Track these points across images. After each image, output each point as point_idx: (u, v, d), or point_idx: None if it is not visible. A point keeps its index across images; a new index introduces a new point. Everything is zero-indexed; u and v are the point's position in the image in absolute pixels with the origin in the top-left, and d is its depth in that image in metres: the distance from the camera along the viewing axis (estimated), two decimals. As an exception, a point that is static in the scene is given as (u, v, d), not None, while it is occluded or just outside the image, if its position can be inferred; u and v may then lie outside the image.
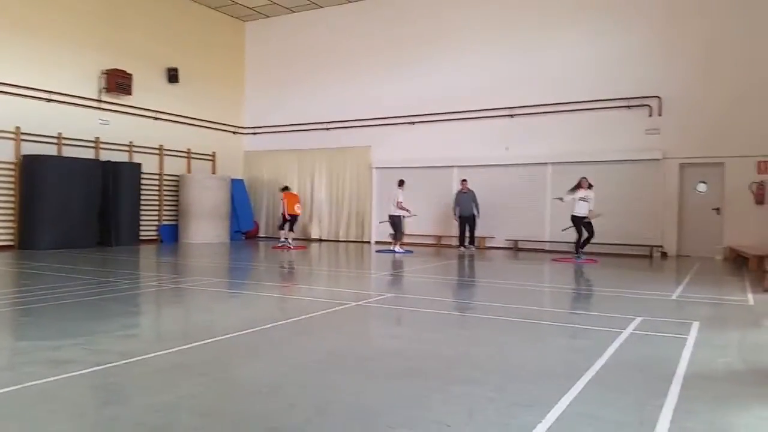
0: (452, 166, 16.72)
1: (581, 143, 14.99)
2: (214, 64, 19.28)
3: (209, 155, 19.03)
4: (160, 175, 17.41)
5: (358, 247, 16.84)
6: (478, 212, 14.96)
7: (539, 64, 15.58)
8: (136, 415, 3.19)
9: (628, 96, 14.50)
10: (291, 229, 15.79)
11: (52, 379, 3.76)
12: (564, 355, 4.71)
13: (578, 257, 12.47)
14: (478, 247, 15.10)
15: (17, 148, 13.91)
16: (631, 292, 8.15)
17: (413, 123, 17.33)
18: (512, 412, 3.28)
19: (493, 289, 9.05)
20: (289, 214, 15.64)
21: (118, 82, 15.79)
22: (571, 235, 12.82)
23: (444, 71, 16.87)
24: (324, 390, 3.65)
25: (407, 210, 14.69)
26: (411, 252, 14.60)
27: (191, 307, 6.97)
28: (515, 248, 15.66)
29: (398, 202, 14.60)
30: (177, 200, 17.66)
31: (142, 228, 16.28)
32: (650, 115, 14.33)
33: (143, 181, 16.36)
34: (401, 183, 14.90)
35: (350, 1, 18.33)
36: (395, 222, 14.64)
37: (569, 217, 12.71)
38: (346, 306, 6.76)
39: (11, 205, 13.94)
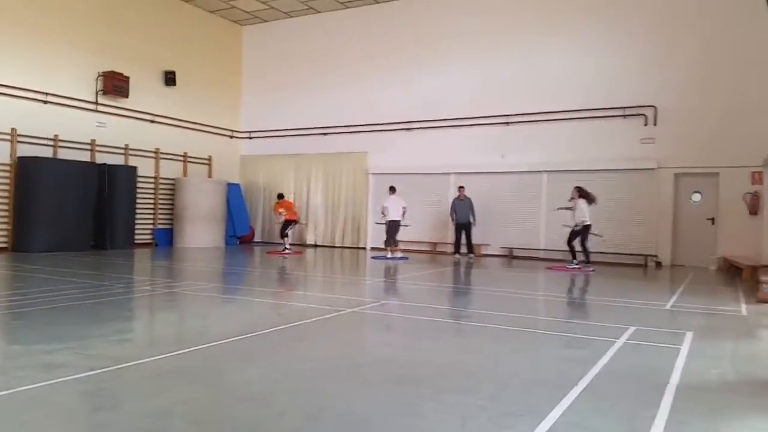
0: (448, 173, 16.74)
1: (577, 152, 15.03)
2: (211, 68, 19.29)
3: (205, 159, 19.02)
4: (155, 178, 17.39)
5: (353, 253, 16.83)
6: (475, 220, 14.96)
7: (536, 73, 15.64)
8: (128, 420, 3.18)
9: (624, 105, 14.56)
10: (288, 233, 15.81)
11: (44, 383, 3.74)
12: (557, 364, 4.71)
13: (588, 265, 12.44)
14: (475, 255, 15.08)
15: (13, 150, 13.88)
16: (625, 301, 8.16)
17: (410, 129, 17.36)
18: (505, 421, 3.28)
19: (487, 297, 9.06)
20: (289, 220, 15.71)
21: (114, 84, 15.78)
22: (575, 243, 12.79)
23: (441, 78, 16.92)
24: (316, 397, 3.65)
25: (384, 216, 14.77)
26: (406, 258, 14.60)
27: (185, 312, 6.95)
28: (510, 256, 15.67)
29: (403, 208, 14.64)
30: (172, 204, 17.63)
31: (137, 231, 16.24)
32: (645, 125, 14.40)
33: (139, 185, 16.33)
34: (393, 189, 14.94)
35: (348, 7, 18.38)
36: (391, 227, 14.65)
37: (583, 226, 12.61)
38: (341, 313, 6.75)
39: (5, 207, 13.89)
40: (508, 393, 3.80)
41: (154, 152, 17.32)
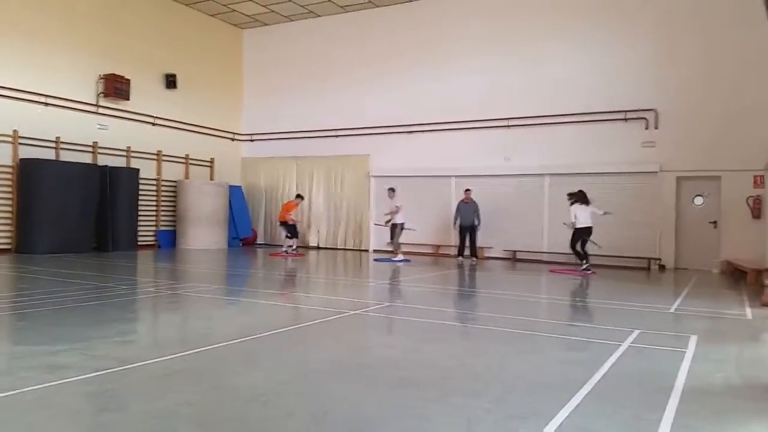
0: (450, 176, 16.74)
1: (578, 155, 15.03)
2: (212, 71, 19.32)
3: (207, 161, 19.04)
4: (157, 180, 17.40)
5: (356, 255, 16.83)
6: (479, 223, 14.91)
7: (538, 76, 15.65)
8: (133, 421, 3.19)
9: (625, 109, 14.56)
10: (288, 236, 15.82)
11: (49, 384, 3.75)
12: (562, 367, 4.70)
13: (588, 268, 12.42)
14: (477, 258, 15.06)
15: (15, 152, 13.89)
16: (629, 304, 8.15)
17: (411, 132, 17.37)
18: (510, 424, 3.28)
19: (491, 299, 9.05)
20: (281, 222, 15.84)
21: (116, 87, 15.81)
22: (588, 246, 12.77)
23: (442, 81, 16.93)
24: (322, 399, 3.65)
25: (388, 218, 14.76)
26: (409, 261, 14.58)
27: (189, 314, 6.95)
28: (513, 259, 15.66)
29: (396, 207, 14.65)
30: (175, 206, 17.65)
31: (139, 233, 16.25)
32: (647, 128, 14.40)
33: (141, 187, 16.35)
34: (393, 190, 14.94)
35: (348, 11, 18.40)
36: (394, 229, 14.64)
37: (587, 229, 12.60)
38: (345, 315, 6.75)
39: (9, 209, 13.90)
40: (512, 396, 3.80)
41: (156, 154, 17.34)
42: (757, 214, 13.12)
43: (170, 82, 17.59)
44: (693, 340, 5.62)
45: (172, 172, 17.81)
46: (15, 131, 13.89)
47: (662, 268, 14.01)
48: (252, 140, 20.30)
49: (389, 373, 4.33)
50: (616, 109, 14.65)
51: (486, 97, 16.23)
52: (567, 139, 15.23)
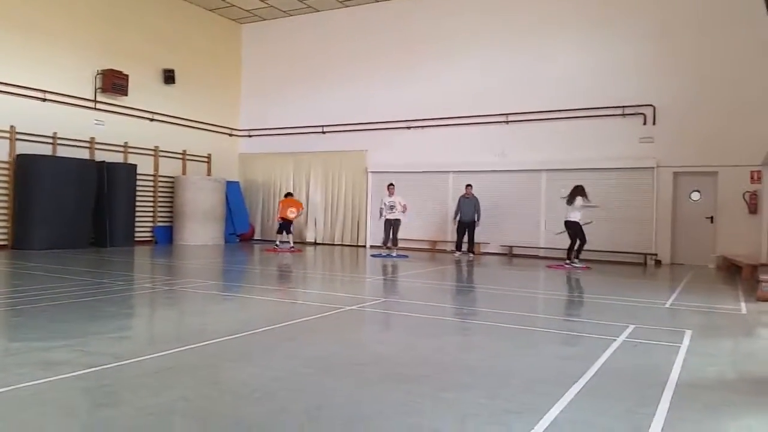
0: (448, 172, 16.75)
1: (576, 150, 15.04)
2: (210, 66, 19.28)
3: (204, 157, 19.01)
4: (155, 176, 17.39)
5: (353, 250, 16.84)
6: (479, 219, 14.88)
7: (535, 71, 15.64)
8: (128, 417, 3.19)
9: (623, 104, 14.57)
10: (284, 232, 15.84)
11: (44, 380, 3.75)
12: (557, 362, 4.71)
13: (572, 263, 12.50)
14: (474, 254, 15.06)
15: (12, 148, 13.87)
16: (624, 299, 8.17)
17: (409, 128, 17.36)
18: (504, 419, 3.28)
19: (487, 295, 9.07)
20: (281, 218, 15.82)
21: (113, 82, 15.78)
22: (565, 241, 12.88)
23: (440, 76, 16.92)
24: (316, 395, 3.66)
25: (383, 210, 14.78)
26: (406, 257, 14.59)
27: (185, 310, 6.96)
28: (510, 254, 15.68)
29: (403, 205, 14.63)
30: (172, 202, 17.63)
31: (136, 229, 16.24)
32: (644, 124, 14.41)
33: (138, 182, 16.33)
34: (392, 186, 14.92)
35: (347, 6, 18.37)
36: (395, 225, 14.64)
37: (563, 222, 12.77)
38: (341, 310, 6.76)
39: (5, 205, 13.89)
40: (507, 391, 3.81)
41: (153, 150, 17.32)
42: (753, 209, 13.15)
43: (168, 77, 17.56)
44: (688, 335, 5.64)
45: (169, 167, 17.80)
46: (12, 127, 13.86)
47: (658, 263, 14.04)
48: (250, 136, 20.27)
49: (384, 368, 4.34)
50: (614, 105, 14.66)
51: (484, 93, 16.23)
52: (564, 135, 15.23)
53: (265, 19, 19.80)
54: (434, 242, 16.85)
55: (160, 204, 17.56)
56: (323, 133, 18.77)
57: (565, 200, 12.88)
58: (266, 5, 18.51)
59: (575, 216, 12.54)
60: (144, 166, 16.84)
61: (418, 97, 17.17)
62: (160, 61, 17.51)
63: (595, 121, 14.93)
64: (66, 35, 15.06)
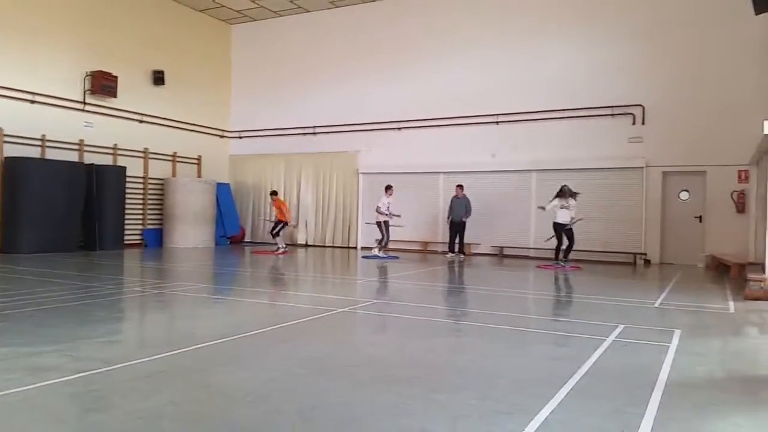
0: (438, 172, 16.78)
1: (565, 151, 15.11)
2: (200, 67, 19.22)
3: (195, 159, 18.94)
4: (144, 178, 17.30)
5: (344, 252, 16.83)
6: (468, 214, 14.77)
7: (525, 72, 15.70)
8: (118, 422, 3.18)
9: (612, 104, 14.65)
10: (278, 234, 15.78)
11: (32, 386, 3.72)
12: (547, 362, 4.73)
13: (558, 263, 12.58)
14: (464, 255, 15.07)
15: (0, 151, 13.76)
16: (614, 299, 8.22)
17: (400, 129, 17.38)
18: (495, 419, 3.30)
19: (477, 296, 9.09)
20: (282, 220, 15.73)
21: (103, 84, 15.69)
22: (553, 243, 12.96)
23: (430, 77, 16.95)
24: (308, 397, 3.65)
25: (390, 215, 14.68)
26: (397, 258, 14.60)
27: (175, 313, 6.93)
28: (500, 255, 15.73)
29: (377, 206, 14.63)
30: (162, 204, 17.55)
31: (126, 232, 16.15)
32: (633, 124, 14.50)
33: (128, 184, 16.24)
34: (388, 188, 14.91)
35: (337, 6, 18.37)
36: (378, 226, 14.65)
37: (551, 225, 12.87)
38: (332, 312, 6.76)
39: (-7, 208, 13.78)
40: (498, 391, 3.82)
41: (143, 152, 17.24)
42: (741, 208, 13.27)
43: (158, 78, 17.49)
44: (677, 335, 5.68)
45: (159, 169, 17.72)
46: (0, 129, 13.78)
47: (647, 263, 14.13)
48: (240, 137, 20.22)
49: (376, 370, 4.34)
50: (603, 105, 14.74)
51: (474, 94, 16.27)
52: (554, 135, 15.30)
53: (255, 20, 19.76)
54: (425, 243, 16.87)
55: (149, 206, 17.48)
56: (314, 134, 18.75)
57: (542, 208, 13.03)
58: (256, 6, 18.48)
59: (560, 217, 12.64)
60: (133, 168, 16.76)
61: (409, 98, 17.19)
62: (150, 62, 17.43)
63: (584, 122, 15.00)
64: (54, 36, 14.96)
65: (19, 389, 3.65)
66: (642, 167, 14.33)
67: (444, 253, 15.34)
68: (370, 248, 16.13)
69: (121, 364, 4.27)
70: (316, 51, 18.88)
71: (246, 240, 19.67)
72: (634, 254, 14.20)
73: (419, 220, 16.79)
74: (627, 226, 14.42)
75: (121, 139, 16.50)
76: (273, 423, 3.22)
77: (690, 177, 14.11)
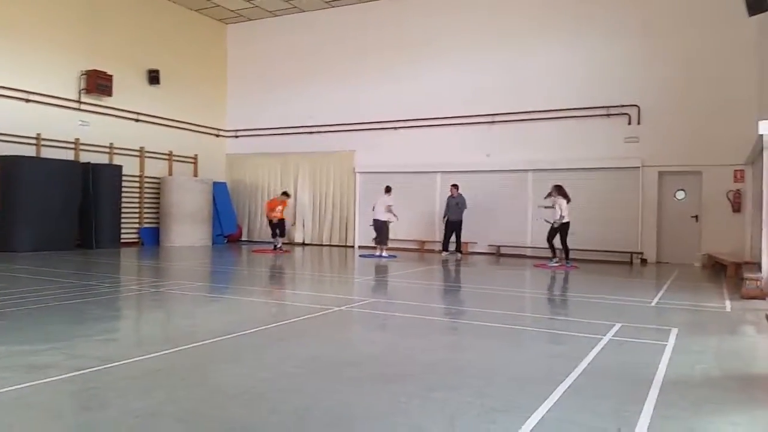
0: (435, 172, 16.78)
1: (561, 151, 15.13)
2: (195, 67, 19.17)
3: (191, 158, 18.91)
4: (140, 177, 17.26)
5: (341, 251, 16.82)
6: (463, 210, 14.77)
7: (521, 72, 15.71)
8: (115, 420, 3.17)
9: (608, 104, 14.67)
10: (277, 234, 15.77)
11: (29, 384, 3.71)
12: (544, 360, 4.74)
13: (567, 263, 12.57)
14: (462, 254, 15.06)
15: (-5, 149, 13.73)
16: (611, 298, 8.24)
17: (396, 128, 17.37)
18: (492, 417, 3.30)
19: (474, 294, 9.10)
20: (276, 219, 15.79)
21: (98, 83, 15.64)
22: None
23: (427, 77, 16.94)
24: (304, 395, 3.65)
25: (394, 215, 14.69)
26: (395, 257, 14.60)
27: (172, 312, 6.92)
28: (497, 254, 15.74)
29: (388, 206, 14.59)
30: (158, 203, 17.52)
31: (122, 231, 16.11)
32: (629, 124, 14.52)
33: (124, 183, 16.20)
34: (388, 189, 14.90)
35: (333, 6, 18.35)
36: (378, 226, 14.63)
37: (562, 224, 12.77)
38: (329, 311, 6.75)
39: (-12, 207, 13.72)
40: (495, 389, 3.82)
41: (139, 151, 17.20)
42: (737, 208, 13.30)
43: (153, 77, 17.45)
44: (673, 333, 5.69)
45: (155, 168, 17.68)
46: (-6, 128, 13.72)
47: (644, 262, 14.16)
48: (237, 136, 20.19)
49: (372, 369, 4.34)
50: (599, 105, 14.76)
51: (471, 94, 16.28)
52: (550, 135, 15.31)
53: (250, 20, 19.72)
54: (422, 242, 16.88)
55: (146, 205, 17.44)
56: (311, 133, 18.72)
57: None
58: (252, 5, 18.44)
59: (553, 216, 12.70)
60: (129, 167, 16.71)
61: (406, 97, 17.18)
62: (145, 61, 17.39)
63: (580, 122, 15.02)
64: (49, 36, 14.90)
65: (15, 387, 3.64)
66: (638, 167, 14.35)
67: (440, 252, 15.34)
68: (369, 247, 16.13)
69: (118, 363, 4.26)
70: (311, 51, 18.85)
71: (243, 239, 19.64)
72: (631, 253, 14.22)
73: (416, 219, 16.78)
74: (623, 226, 14.44)
75: (116, 138, 16.45)
76: (270, 421, 3.21)
77: (686, 177, 14.14)
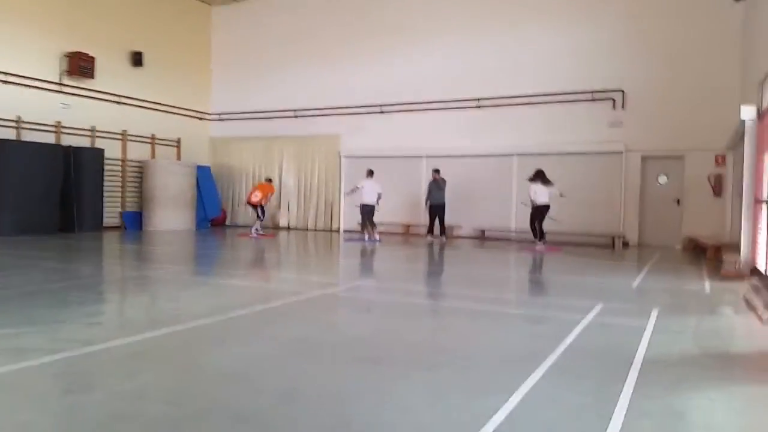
0: (421, 156, 16.78)
1: (546, 135, 15.19)
2: (179, 49, 18.93)
3: (174, 141, 18.73)
4: (123, 160, 17.09)
5: (326, 235, 16.81)
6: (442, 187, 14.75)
7: (507, 56, 15.71)
8: (100, 403, 3.17)
9: (592, 89, 14.73)
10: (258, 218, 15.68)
11: (13, 367, 3.70)
12: (526, 341, 4.81)
13: (542, 243, 12.75)
14: (446, 237, 15.11)
15: (-26, 132, 13.51)
16: (592, 280, 8.34)
17: (382, 112, 17.32)
18: (476, 396, 3.35)
19: (458, 277, 9.16)
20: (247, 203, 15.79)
21: (80, 65, 15.40)
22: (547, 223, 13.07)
23: (413, 61, 16.88)
24: (290, 377, 3.68)
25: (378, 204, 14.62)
26: (380, 241, 14.60)
27: (156, 295, 6.90)
28: (482, 237, 15.83)
29: (378, 194, 14.46)
30: (141, 186, 17.37)
31: (105, 215, 15.97)
32: (614, 108, 14.60)
33: (106, 167, 16.03)
34: (371, 173, 14.75)
35: (319, -12, 18.19)
36: (369, 210, 14.47)
37: (545, 208, 12.87)
38: (314, 294, 6.77)
39: (-32, 191, 13.53)
40: (478, 369, 3.88)
41: (122, 134, 17.00)
42: (717, 192, 13.47)
43: (136, 60, 17.22)
44: (654, 314, 5.78)
45: (138, 152, 17.49)
46: (-27, 110, 13.49)
47: (626, 244, 14.32)
48: (221, 120, 20.02)
49: (357, 350, 4.37)
50: (584, 90, 14.81)
51: (456, 78, 16.26)
52: (535, 120, 15.36)
53: (235, 1, 19.49)
54: (407, 226, 16.92)
55: (128, 189, 17.28)
56: (296, 117, 18.62)
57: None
58: (236, -13, 18.22)
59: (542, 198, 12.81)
60: (112, 150, 16.53)
61: (392, 81, 17.12)
62: (128, 43, 17.14)
63: (565, 106, 15.07)
64: (30, 16, 14.62)
65: (0, 370, 3.63)
66: (621, 152, 14.46)
67: (425, 235, 15.38)
68: (355, 231, 16.13)
69: (104, 345, 4.26)
70: (297, 33, 18.68)
71: (227, 223, 19.56)
72: (613, 236, 14.37)
73: (401, 203, 16.81)
74: (606, 209, 14.58)
75: (98, 121, 16.25)
76: (255, 403, 3.23)
77: (668, 161, 14.28)
